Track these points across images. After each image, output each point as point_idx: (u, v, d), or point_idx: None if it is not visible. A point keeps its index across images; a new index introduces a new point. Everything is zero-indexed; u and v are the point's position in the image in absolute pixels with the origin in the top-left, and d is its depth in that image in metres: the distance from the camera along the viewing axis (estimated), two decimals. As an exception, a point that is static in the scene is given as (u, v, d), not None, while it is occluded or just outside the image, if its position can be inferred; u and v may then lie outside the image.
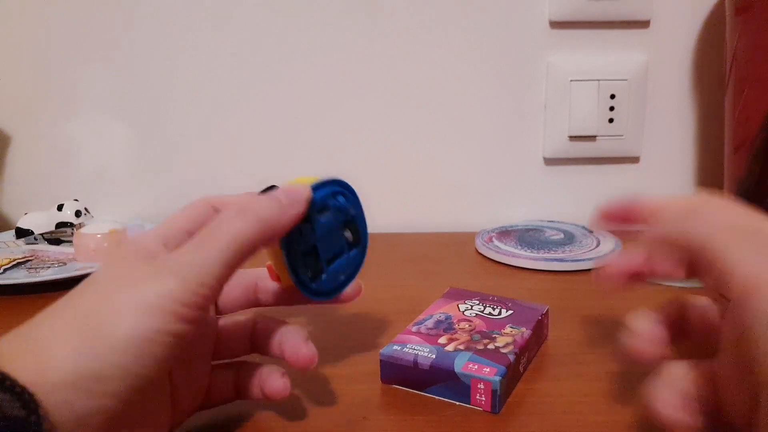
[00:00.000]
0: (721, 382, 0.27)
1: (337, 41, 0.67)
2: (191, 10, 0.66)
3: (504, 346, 0.36)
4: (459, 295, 0.44)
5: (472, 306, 0.42)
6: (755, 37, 0.52)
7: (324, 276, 0.33)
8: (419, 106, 0.69)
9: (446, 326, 0.39)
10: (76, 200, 0.66)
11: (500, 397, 0.33)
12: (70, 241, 0.61)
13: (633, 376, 0.37)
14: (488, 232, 0.65)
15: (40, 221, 0.63)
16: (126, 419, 0.24)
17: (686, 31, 0.67)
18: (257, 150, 0.69)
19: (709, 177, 0.70)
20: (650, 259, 0.30)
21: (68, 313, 0.25)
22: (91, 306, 0.25)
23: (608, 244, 0.60)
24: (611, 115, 0.67)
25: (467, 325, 0.39)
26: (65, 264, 0.56)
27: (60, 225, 0.64)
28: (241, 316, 0.34)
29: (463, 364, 0.34)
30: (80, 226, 0.62)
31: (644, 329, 0.30)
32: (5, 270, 0.54)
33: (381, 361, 0.36)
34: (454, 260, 0.60)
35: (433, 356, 0.35)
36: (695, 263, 0.28)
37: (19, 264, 0.56)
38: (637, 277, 0.31)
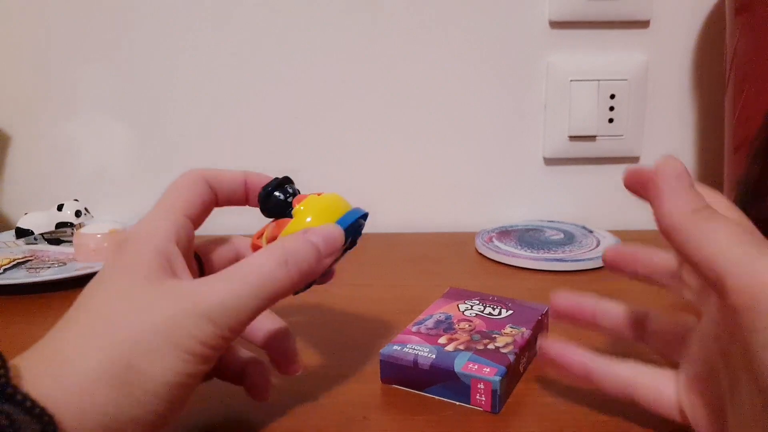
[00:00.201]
0: (686, 388, 0.28)
1: (337, 41, 0.67)
2: (191, 10, 0.66)
3: (504, 346, 0.36)
4: (459, 295, 0.44)
5: (472, 306, 0.42)
6: (755, 37, 0.52)
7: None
8: (419, 106, 0.69)
9: (446, 326, 0.39)
10: (76, 200, 0.66)
11: (500, 397, 0.33)
12: (70, 241, 0.61)
13: (633, 376, 0.37)
14: (488, 232, 0.65)
15: (40, 221, 0.63)
16: None
17: (686, 31, 0.67)
18: (257, 150, 0.69)
19: (709, 177, 0.70)
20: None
21: (98, 342, 0.24)
22: (123, 338, 0.24)
23: (608, 244, 0.60)
24: (611, 115, 0.67)
25: (467, 325, 0.39)
26: (65, 264, 0.56)
27: (60, 225, 0.64)
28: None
29: (463, 364, 0.34)
30: (80, 226, 0.62)
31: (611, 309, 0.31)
32: (5, 270, 0.54)
33: (381, 361, 0.36)
34: (454, 260, 0.60)
35: (433, 356, 0.35)
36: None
37: (19, 264, 0.56)
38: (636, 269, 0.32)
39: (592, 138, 0.68)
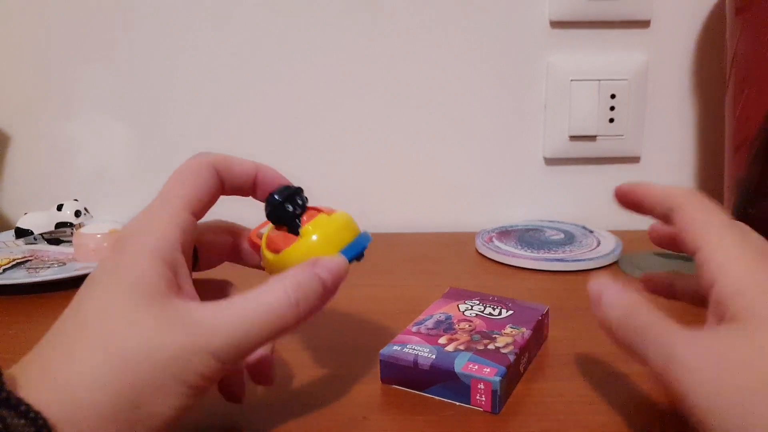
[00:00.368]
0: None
1: (337, 41, 0.67)
2: (191, 10, 0.66)
3: (504, 347, 0.36)
4: (459, 295, 0.44)
5: (472, 306, 0.42)
6: (755, 37, 0.52)
7: None
8: (419, 106, 0.69)
9: (446, 326, 0.39)
10: (75, 200, 0.66)
11: (500, 398, 0.33)
12: (70, 241, 0.61)
13: (633, 376, 0.37)
14: (488, 232, 0.65)
15: (40, 221, 0.63)
16: None
17: (686, 31, 0.67)
18: (257, 150, 0.69)
19: (709, 177, 0.70)
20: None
21: (105, 377, 0.23)
22: (132, 379, 0.23)
23: (608, 244, 0.60)
24: (611, 115, 0.67)
25: (467, 325, 0.39)
26: (65, 264, 0.56)
27: (60, 225, 0.64)
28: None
29: (463, 365, 0.34)
30: (80, 226, 0.62)
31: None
32: (5, 270, 0.54)
33: (381, 361, 0.36)
34: (454, 260, 0.60)
35: (433, 356, 0.35)
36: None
37: (18, 264, 0.56)
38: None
39: (592, 138, 0.68)
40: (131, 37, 0.67)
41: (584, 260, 0.55)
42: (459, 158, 0.70)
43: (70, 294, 0.26)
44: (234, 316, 0.26)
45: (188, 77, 0.68)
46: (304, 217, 0.31)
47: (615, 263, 0.57)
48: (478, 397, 0.33)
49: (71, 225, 0.63)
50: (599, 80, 0.66)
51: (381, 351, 0.36)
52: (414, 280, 0.54)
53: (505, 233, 0.64)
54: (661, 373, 0.25)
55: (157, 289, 0.25)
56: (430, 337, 0.37)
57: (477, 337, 0.37)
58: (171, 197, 0.29)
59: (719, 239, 0.27)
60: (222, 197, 0.32)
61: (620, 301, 0.28)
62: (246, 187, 0.32)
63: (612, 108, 0.67)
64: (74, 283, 0.50)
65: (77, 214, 0.64)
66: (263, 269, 0.33)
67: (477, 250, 0.62)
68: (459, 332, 0.38)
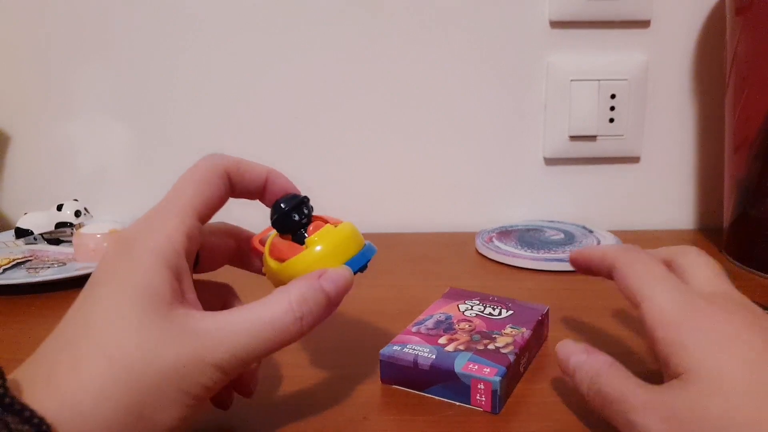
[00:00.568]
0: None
1: (337, 41, 0.67)
2: (191, 10, 0.66)
3: (504, 347, 0.36)
4: (459, 295, 0.44)
5: (472, 306, 0.42)
6: (755, 37, 0.52)
7: None
8: (419, 106, 0.69)
9: (446, 326, 0.39)
10: (75, 200, 0.66)
11: (500, 398, 0.33)
12: (70, 241, 0.61)
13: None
14: (488, 232, 0.65)
15: (40, 221, 0.63)
16: None
17: (686, 31, 0.67)
18: (257, 150, 0.69)
19: (709, 177, 0.70)
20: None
21: (110, 388, 0.23)
22: (137, 391, 0.23)
23: (608, 244, 0.60)
24: (611, 115, 0.67)
25: (467, 326, 0.39)
26: (65, 264, 0.56)
27: (60, 225, 0.64)
28: None
29: (463, 365, 0.34)
30: (80, 226, 0.62)
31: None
32: (5, 270, 0.54)
33: (381, 361, 0.36)
34: (454, 260, 0.60)
35: (433, 356, 0.35)
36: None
37: (18, 264, 0.56)
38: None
39: (592, 138, 0.68)
40: (131, 37, 0.67)
41: (584, 260, 0.55)
42: (459, 158, 0.70)
43: (70, 294, 0.26)
44: (238, 328, 0.26)
45: (188, 77, 0.68)
46: (310, 227, 0.32)
47: (615, 263, 0.57)
48: (478, 397, 0.33)
49: (71, 225, 0.63)
50: (599, 80, 0.66)
51: (381, 351, 0.36)
52: (414, 281, 0.54)
53: (505, 233, 0.64)
54: None
55: (162, 298, 0.25)
56: (430, 337, 0.37)
57: (477, 337, 0.37)
58: (180, 201, 0.28)
59: (651, 296, 0.29)
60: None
61: (584, 374, 0.30)
62: (255, 191, 0.32)
63: (612, 108, 0.67)
64: (74, 283, 0.50)
65: (77, 214, 0.64)
66: (264, 275, 0.33)
67: (477, 250, 0.62)
68: (459, 332, 0.38)
